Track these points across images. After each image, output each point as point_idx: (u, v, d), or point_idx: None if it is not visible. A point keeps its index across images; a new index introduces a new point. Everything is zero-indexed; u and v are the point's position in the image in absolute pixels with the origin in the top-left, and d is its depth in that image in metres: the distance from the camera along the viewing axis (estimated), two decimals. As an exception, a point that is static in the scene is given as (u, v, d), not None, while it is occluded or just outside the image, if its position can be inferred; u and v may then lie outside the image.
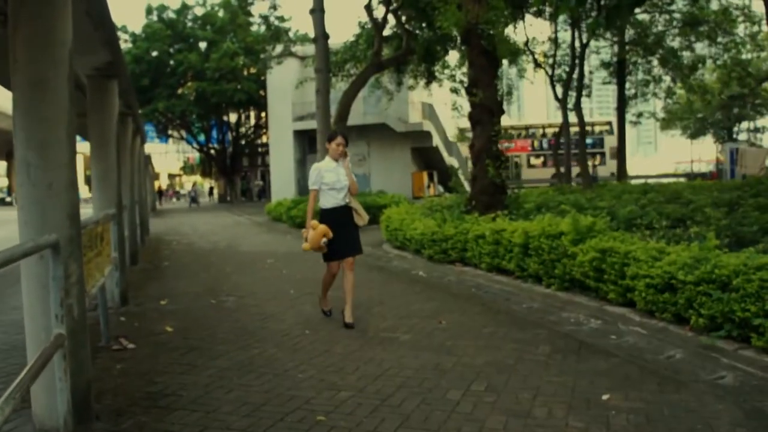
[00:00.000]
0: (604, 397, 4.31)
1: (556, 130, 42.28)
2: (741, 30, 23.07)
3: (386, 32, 25.34)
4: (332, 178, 6.60)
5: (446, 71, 20.48)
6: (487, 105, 10.93)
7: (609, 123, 42.07)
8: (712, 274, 5.51)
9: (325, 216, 6.64)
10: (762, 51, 26.85)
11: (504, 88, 11.70)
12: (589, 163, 37.52)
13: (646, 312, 6.34)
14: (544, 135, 44.43)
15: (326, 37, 23.03)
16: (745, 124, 42.33)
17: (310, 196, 6.73)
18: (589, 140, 37.84)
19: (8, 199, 55.36)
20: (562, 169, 26.37)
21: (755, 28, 22.85)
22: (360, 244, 6.86)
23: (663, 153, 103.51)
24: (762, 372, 4.74)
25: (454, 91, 11.45)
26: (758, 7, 23.17)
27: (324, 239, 6.42)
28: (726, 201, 9.91)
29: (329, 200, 6.65)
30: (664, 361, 5.09)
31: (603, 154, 40.34)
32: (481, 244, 9.49)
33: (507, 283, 8.54)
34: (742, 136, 40.25)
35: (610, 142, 38.77)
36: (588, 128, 40.25)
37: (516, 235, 8.50)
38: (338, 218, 6.61)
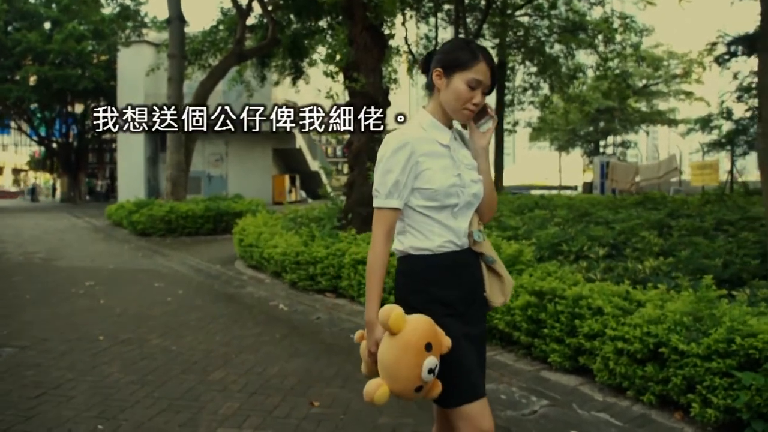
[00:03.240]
0: None
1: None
2: (619, 39, 22.29)
3: (251, 21, 23.20)
4: (448, 173, 2.24)
5: (324, 48, 18.24)
6: (370, 93, 8.77)
7: None
8: (731, 343, 3.60)
9: (427, 282, 2.25)
10: (644, 62, 26.51)
11: (389, 76, 9.53)
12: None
13: (609, 387, 4.37)
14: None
15: (182, 19, 20.54)
16: (611, 139, 42.82)
17: (379, 229, 2.22)
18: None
19: None
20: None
21: (635, 38, 22.13)
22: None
23: (521, 165, 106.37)
24: None
25: (329, 75, 9.16)
26: (643, 18, 22.66)
27: (430, 360, 2.06)
28: (654, 222, 8.27)
29: (435, 236, 2.24)
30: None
31: None
32: (361, 271, 7.23)
33: (398, 327, 6.39)
34: (608, 151, 40.55)
35: None
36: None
37: (411, 263, 6.37)
38: (461, 287, 2.29)
